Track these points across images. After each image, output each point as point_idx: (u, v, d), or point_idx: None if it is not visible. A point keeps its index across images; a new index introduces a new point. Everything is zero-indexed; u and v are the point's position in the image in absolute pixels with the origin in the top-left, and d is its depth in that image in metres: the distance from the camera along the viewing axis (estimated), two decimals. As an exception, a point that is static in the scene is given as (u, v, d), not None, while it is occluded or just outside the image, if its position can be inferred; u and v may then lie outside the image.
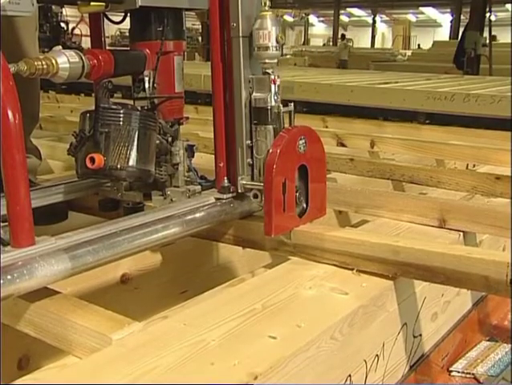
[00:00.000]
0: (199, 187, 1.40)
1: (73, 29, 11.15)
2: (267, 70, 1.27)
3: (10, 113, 0.94)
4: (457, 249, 1.18)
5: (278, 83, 1.28)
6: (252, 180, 1.32)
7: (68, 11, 9.64)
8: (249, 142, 1.30)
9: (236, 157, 1.32)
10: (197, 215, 1.28)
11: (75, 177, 1.40)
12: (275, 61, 1.27)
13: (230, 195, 1.34)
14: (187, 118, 1.47)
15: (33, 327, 1.03)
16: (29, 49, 1.59)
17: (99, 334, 0.94)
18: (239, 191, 1.33)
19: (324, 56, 14.92)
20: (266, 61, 1.26)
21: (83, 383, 0.81)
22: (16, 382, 0.82)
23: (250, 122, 1.30)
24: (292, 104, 1.32)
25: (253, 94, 1.29)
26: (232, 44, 1.28)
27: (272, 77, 1.27)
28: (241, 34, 1.26)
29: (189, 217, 1.26)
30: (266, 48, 1.25)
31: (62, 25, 10.03)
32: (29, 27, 1.60)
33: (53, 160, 2.27)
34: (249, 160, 1.31)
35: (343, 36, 17.37)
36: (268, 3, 1.26)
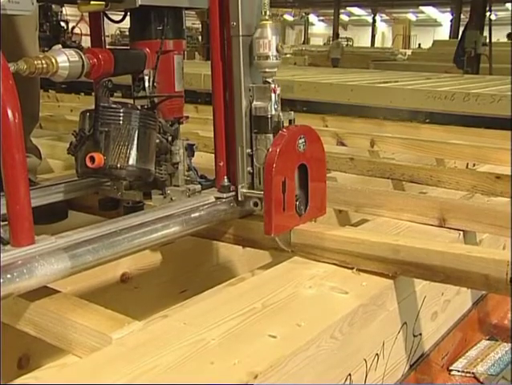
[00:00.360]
0: (199, 186, 1.40)
1: (73, 28, 11.15)
2: (267, 79, 1.27)
3: (9, 112, 0.94)
4: (456, 247, 1.18)
5: (278, 91, 1.28)
6: (252, 188, 1.32)
7: (68, 10, 9.65)
8: (249, 150, 1.30)
9: (237, 169, 1.32)
10: (197, 214, 1.28)
11: (75, 176, 1.40)
12: (275, 70, 1.27)
13: (230, 194, 1.34)
14: (187, 117, 1.47)
15: (33, 326, 1.03)
16: (29, 48, 1.59)
17: (99, 333, 0.94)
18: (239, 199, 1.33)
19: (324, 55, 14.92)
20: (267, 70, 1.26)
21: (83, 383, 0.81)
22: (16, 381, 0.82)
23: (251, 130, 1.30)
24: (293, 113, 1.32)
25: (254, 102, 1.29)
26: (232, 43, 1.28)
27: (272, 86, 1.27)
28: (241, 34, 1.26)
29: (189, 216, 1.26)
30: (267, 57, 1.25)
31: (62, 24, 10.02)
32: (29, 26, 1.60)
33: (53, 159, 2.27)
34: (250, 168, 1.31)
35: (337, 35, 17.48)
36: (268, 12, 1.26)
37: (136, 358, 0.85)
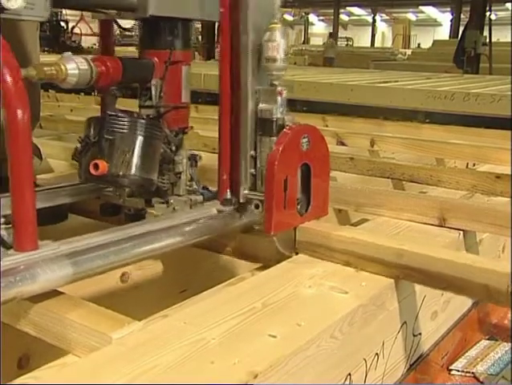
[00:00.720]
0: (201, 197, 1.40)
1: (73, 28, 11.16)
2: (274, 82, 1.28)
3: (19, 115, 0.93)
4: (459, 256, 1.18)
5: (284, 95, 1.28)
6: (254, 190, 1.32)
7: (68, 10, 9.63)
8: (253, 152, 1.30)
9: (240, 170, 1.32)
10: (199, 226, 1.28)
11: (76, 178, 1.40)
12: (283, 73, 1.28)
13: (232, 207, 1.34)
14: (191, 127, 1.47)
15: (33, 326, 1.03)
16: (31, 48, 1.59)
17: (98, 333, 0.94)
18: (241, 201, 1.33)
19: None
20: (274, 73, 1.26)
21: (82, 383, 0.81)
22: (16, 381, 0.82)
23: (255, 132, 1.30)
24: (294, 116, 1.32)
25: (260, 105, 1.29)
26: (241, 57, 1.28)
27: (279, 89, 1.27)
28: (250, 48, 1.26)
29: (191, 228, 1.26)
30: (274, 60, 1.25)
31: (62, 24, 10.04)
32: (31, 27, 1.60)
33: (53, 159, 2.27)
34: (253, 170, 1.31)
35: (331, 34, 17.52)
36: (279, 16, 1.26)
37: (136, 358, 0.85)
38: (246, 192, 1.32)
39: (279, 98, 1.27)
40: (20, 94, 0.94)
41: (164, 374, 0.82)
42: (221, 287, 1.16)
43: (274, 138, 1.27)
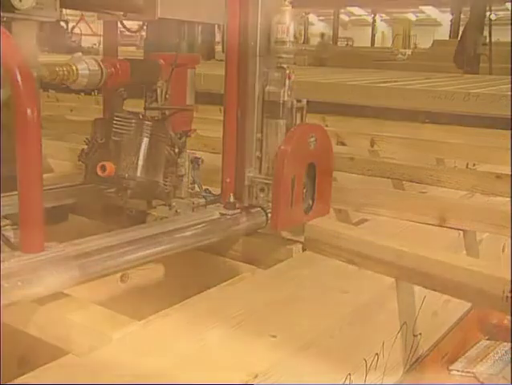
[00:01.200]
0: (203, 200, 1.40)
1: (73, 28, 11.14)
2: (283, 65, 1.27)
3: (29, 114, 0.94)
4: (458, 259, 1.18)
5: (292, 78, 1.27)
6: (259, 173, 1.32)
7: (68, 10, 9.61)
8: (259, 135, 1.30)
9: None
10: (203, 229, 1.28)
11: (77, 178, 1.41)
12: (291, 56, 1.27)
13: (236, 211, 1.34)
14: (194, 130, 1.47)
15: (33, 326, 1.03)
16: (31, 48, 1.59)
17: (98, 332, 0.94)
18: (246, 184, 1.32)
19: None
20: (283, 55, 1.26)
21: (83, 382, 0.81)
22: (16, 381, 0.82)
23: (262, 115, 1.29)
24: (305, 100, 1.31)
25: (267, 87, 1.28)
26: (248, 62, 1.28)
27: (287, 72, 1.27)
28: (258, 54, 1.26)
29: (195, 231, 1.27)
30: (284, 42, 1.24)
31: (62, 24, 10.00)
32: (31, 26, 1.60)
33: (52, 158, 2.27)
34: (258, 152, 1.30)
35: (323, 35, 17.50)
36: None
37: (136, 358, 0.85)
38: (252, 174, 1.32)
39: (287, 81, 1.27)
40: (30, 93, 0.94)
41: (164, 374, 0.82)
42: (221, 287, 1.16)
43: (281, 120, 1.27)
